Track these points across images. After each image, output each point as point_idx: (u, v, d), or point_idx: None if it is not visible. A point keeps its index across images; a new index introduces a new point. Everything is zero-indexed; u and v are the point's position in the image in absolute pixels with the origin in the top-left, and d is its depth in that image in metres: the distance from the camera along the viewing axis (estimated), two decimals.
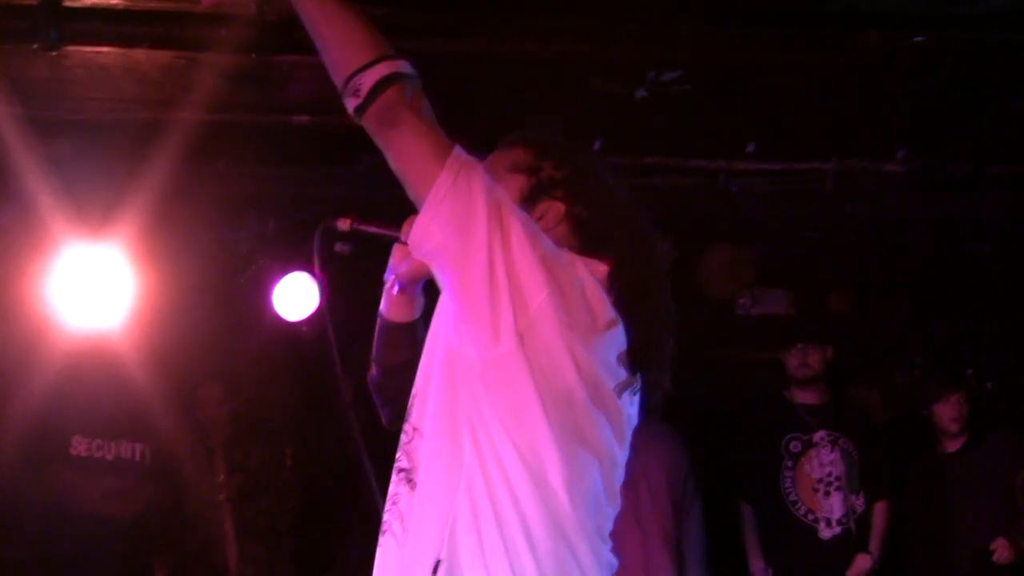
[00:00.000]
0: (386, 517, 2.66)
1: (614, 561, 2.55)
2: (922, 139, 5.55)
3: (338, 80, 2.54)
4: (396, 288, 2.95)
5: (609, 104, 4.92)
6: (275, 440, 7.08)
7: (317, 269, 2.99)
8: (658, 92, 4.71)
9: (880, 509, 6.63)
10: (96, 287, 5.99)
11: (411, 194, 2.51)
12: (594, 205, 2.68)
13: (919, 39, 4.38)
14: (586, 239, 2.64)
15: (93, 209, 5.60)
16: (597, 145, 5.35)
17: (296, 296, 6.44)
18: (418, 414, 2.61)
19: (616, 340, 2.55)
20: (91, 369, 6.56)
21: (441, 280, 2.55)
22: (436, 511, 2.48)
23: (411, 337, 2.99)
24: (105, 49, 4.35)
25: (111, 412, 6.78)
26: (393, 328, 3.01)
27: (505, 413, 2.43)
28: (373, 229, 2.88)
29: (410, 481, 2.59)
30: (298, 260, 6.44)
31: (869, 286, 7.58)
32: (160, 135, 4.89)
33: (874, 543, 6.55)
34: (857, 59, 4.44)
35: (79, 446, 6.76)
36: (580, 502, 2.45)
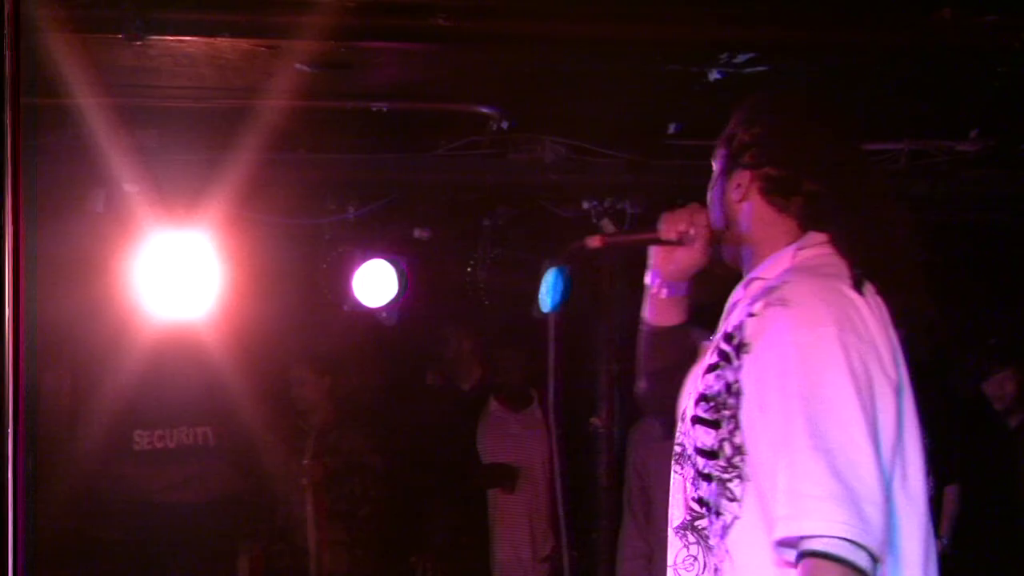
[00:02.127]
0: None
1: None
2: (995, 118, 5.52)
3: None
4: (664, 292, 2.86)
5: (683, 87, 4.94)
6: (367, 425, 7.12)
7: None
8: (732, 74, 4.72)
9: (950, 493, 6.58)
10: (181, 274, 6.08)
11: None
12: (788, 163, 2.60)
13: (992, 17, 4.36)
14: (780, 200, 2.57)
15: (178, 196, 5.70)
16: (672, 128, 5.38)
17: (376, 283, 6.52)
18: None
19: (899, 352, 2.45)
20: (165, 357, 6.66)
21: None
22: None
23: (681, 340, 2.89)
24: (188, 38, 4.43)
25: (173, 400, 6.85)
26: (662, 333, 2.90)
27: None
28: (628, 238, 2.92)
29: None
30: (378, 247, 6.52)
31: (941, 266, 7.52)
32: (243, 122, 4.98)
33: (944, 527, 6.50)
34: (930, 37, 4.42)
35: (141, 440, 6.84)
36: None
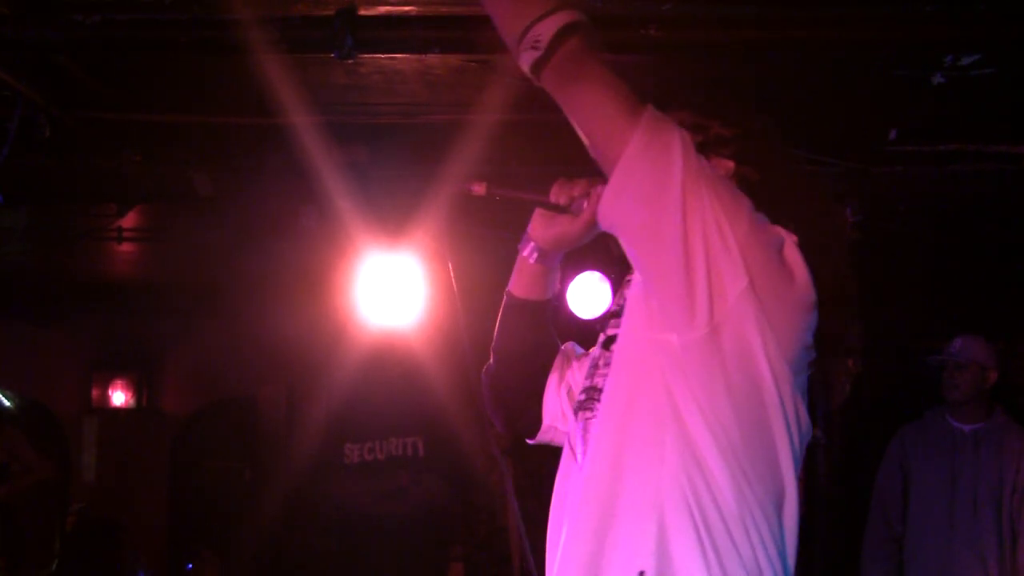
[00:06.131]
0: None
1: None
2: None
3: (511, 36, 2.39)
4: (534, 257, 2.73)
5: (905, 91, 4.79)
6: None
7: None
8: (956, 77, 4.55)
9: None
10: (392, 287, 6.14)
11: (597, 155, 2.33)
12: (765, 168, 2.49)
13: None
14: (755, 204, 2.36)
15: (390, 211, 5.74)
16: (893, 134, 5.22)
17: (588, 295, 6.49)
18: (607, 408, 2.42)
19: (815, 319, 2.34)
20: (376, 369, 6.73)
21: (629, 254, 2.34)
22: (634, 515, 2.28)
23: (541, 320, 2.79)
24: (399, 55, 4.44)
25: (384, 411, 6.93)
26: (522, 307, 2.79)
27: (701, 400, 2.23)
28: (514, 193, 2.68)
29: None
30: (590, 259, 6.49)
31: None
32: (452, 137, 4.97)
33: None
34: None
35: (351, 454, 6.93)
36: (764, 494, 2.26)
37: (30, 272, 8.42)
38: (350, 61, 4.09)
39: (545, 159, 5.63)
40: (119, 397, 9.89)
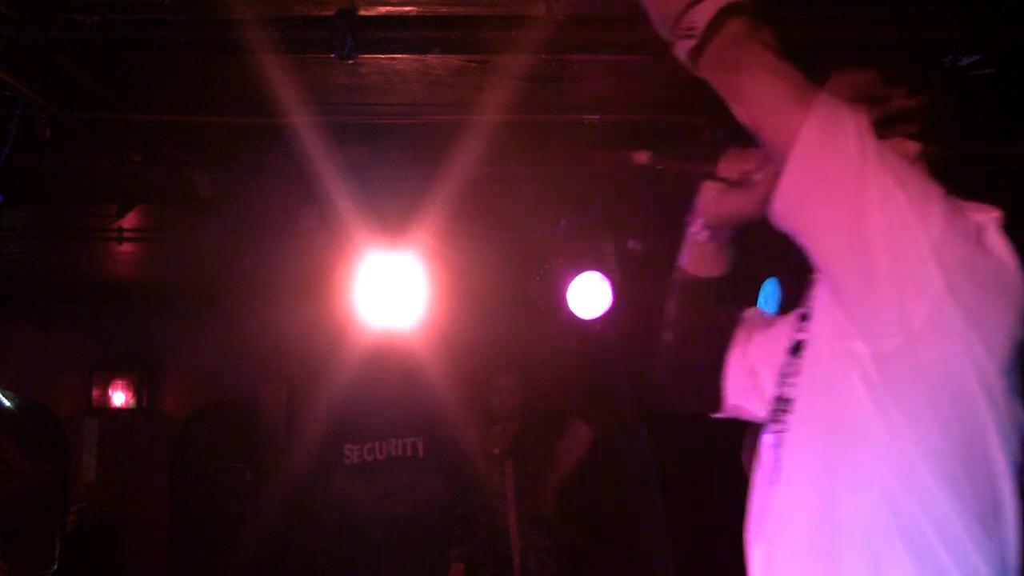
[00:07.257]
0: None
1: None
2: None
3: (665, 24, 2.25)
4: (704, 235, 2.58)
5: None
6: (561, 428, 7.10)
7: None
8: (956, 77, 4.54)
9: None
10: (392, 288, 6.14)
11: (768, 150, 2.17)
12: (958, 144, 2.29)
13: None
14: (947, 186, 2.13)
15: (390, 212, 5.74)
16: None
17: (589, 295, 6.48)
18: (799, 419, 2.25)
19: None
20: (376, 370, 6.73)
21: (811, 256, 2.15)
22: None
23: (716, 296, 2.63)
24: (399, 56, 4.44)
25: (385, 412, 6.93)
26: (695, 284, 2.63)
27: (904, 414, 2.05)
28: (680, 164, 2.54)
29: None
30: (591, 259, 6.48)
31: None
32: (452, 138, 4.97)
33: None
34: None
35: (351, 455, 6.92)
36: (982, 509, 2.06)
37: (30, 272, 8.41)
38: (350, 61, 4.08)
39: (546, 159, 5.64)
40: (119, 397, 9.89)
